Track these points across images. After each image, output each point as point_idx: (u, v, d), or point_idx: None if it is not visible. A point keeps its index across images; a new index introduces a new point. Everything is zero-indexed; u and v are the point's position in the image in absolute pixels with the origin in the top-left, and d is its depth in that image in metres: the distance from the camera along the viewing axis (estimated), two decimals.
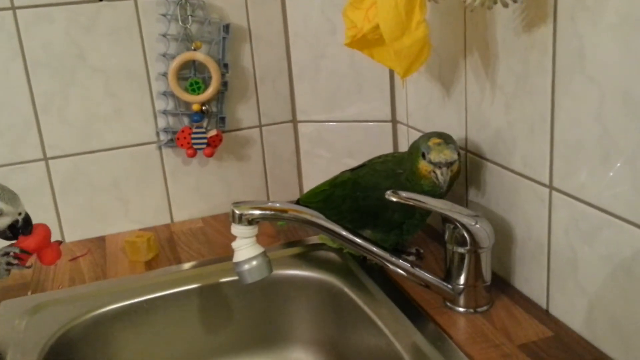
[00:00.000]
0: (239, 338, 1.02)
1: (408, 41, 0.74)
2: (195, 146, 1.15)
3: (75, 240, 1.15)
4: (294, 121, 1.25)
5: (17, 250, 0.80)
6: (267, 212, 0.78)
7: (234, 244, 0.78)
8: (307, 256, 1.03)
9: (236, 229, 0.77)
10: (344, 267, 0.98)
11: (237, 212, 0.77)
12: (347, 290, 0.92)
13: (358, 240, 0.80)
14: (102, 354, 0.93)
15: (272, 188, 1.28)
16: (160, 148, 1.18)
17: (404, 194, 0.80)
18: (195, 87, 1.13)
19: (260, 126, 1.24)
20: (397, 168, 0.92)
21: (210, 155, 1.17)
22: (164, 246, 1.11)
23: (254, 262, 0.78)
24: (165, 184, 1.21)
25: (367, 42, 0.85)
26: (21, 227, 0.78)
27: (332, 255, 1.02)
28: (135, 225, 1.20)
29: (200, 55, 1.12)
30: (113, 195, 1.18)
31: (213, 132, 1.15)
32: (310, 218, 0.79)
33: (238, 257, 0.78)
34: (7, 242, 0.82)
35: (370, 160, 0.98)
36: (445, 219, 0.81)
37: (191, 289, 0.99)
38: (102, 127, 1.14)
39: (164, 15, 1.11)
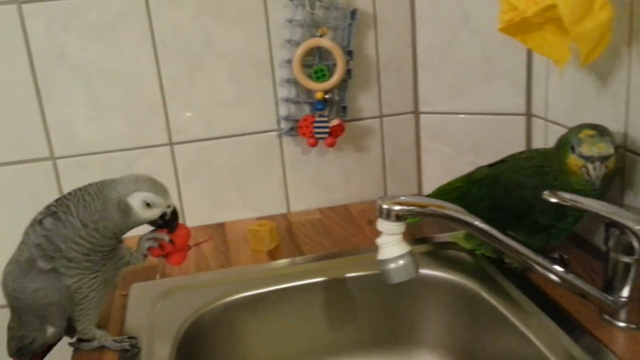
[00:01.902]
0: (362, 336, 0.98)
1: (590, 24, 0.67)
2: (317, 135, 1.12)
3: (196, 225, 1.15)
4: (416, 112, 1.20)
5: (166, 238, 0.79)
6: (416, 207, 0.74)
7: (379, 241, 0.74)
8: (437, 255, 0.98)
9: (383, 225, 0.73)
10: (478, 269, 0.93)
11: (384, 206, 0.73)
12: (484, 294, 0.87)
13: (515, 244, 0.74)
14: (230, 341, 0.92)
15: (390, 181, 1.23)
16: (280, 136, 1.16)
17: (564, 194, 0.73)
18: (320, 75, 1.10)
19: (381, 116, 1.19)
20: (543, 164, 0.85)
21: (332, 145, 1.13)
22: (284, 236, 1.09)
23: (401, 262, 0.73)
24: (284, 173, 1.19)
25: (526, 26, 0.79)
26: (169, 220, 0.77)
27: (464, 256, 0.97)
28: (252, 213, 1.19)
29: (326, 42, 1.09)
30: (233, 182, 1.17)
31: (335, 122, 1.12)
32: (470, 219, 0.73)
33: (384, 254, 0.74)
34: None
35: (511, 156, 0.92)
36: (611, 224, 0.73)
37: (316, 283, 0.96)
38: (224, 113, 1.13)
39: (291, 0, 1.08)
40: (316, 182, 1.20)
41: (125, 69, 1.07)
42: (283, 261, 1.01)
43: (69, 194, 0.74)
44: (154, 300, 0.90)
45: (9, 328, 0.78)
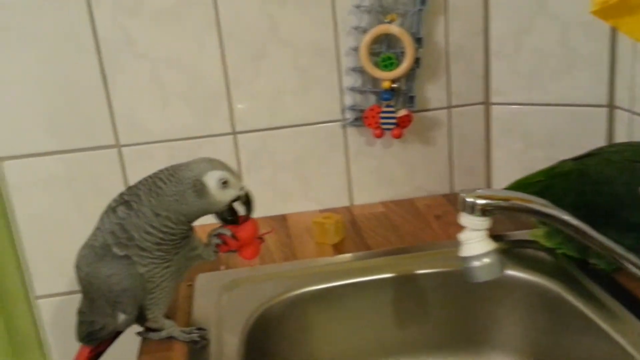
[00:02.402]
0: (432, 336, 0.94)
1: None
2: (383, 126, 1.09)
3: (258, 216, 1.13)
4: (487, 103, 1.14)
5: (228, 233, 0.78)
6: (502, 201, 0.69)
7: (462, 236, 0.70)
8: (514, 254, 0.93)
9: (467, 220, 0.69)
10: (560, 269, 0.87)
11: (468, 200, 0.68)
12: (568, 296, 0.81)
13: (610, 242, 0.69)
14: (297, 335, 0.90)
15: (456, 176, 1.19)
16: (344, 127, 1.13)
17: None
18: (388, 63, 1.06)
19: (449, 107, 1.15)
20: (636, 159, 0.80)
21: (398, 136, 1.09)
22: (349, 230, 1.06)
23: (486, 260, 0.69)
24: (347, 164, 1.15)
25: (622, 9, 0.73)
26: (246, 203, 0.75)
27: (544, 255, 0.91)
28: (314, 205, 1.16)
29: (395, 29, 1.05)
30: (295, 173, 1.14)
31: (403, 112, 1.08)
32: (560, 215, 0.68)
33: (467, 251, 0.70)
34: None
35: (599, 149, 0.86)
36: None
37: (385, 279, 0.92)
38: (288, 103, 1.10)
39: None
40: (380, 174, 1.17)
41: (190, 56, 1.05)
42: (349, 255, 0.97)
43: (140, 182, 0.73)
44: (220, 292, 0.89)
45: (80, 312, 0.78)
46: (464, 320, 0.95)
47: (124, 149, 1.07)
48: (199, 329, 0.78)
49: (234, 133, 1.11)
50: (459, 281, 0.92)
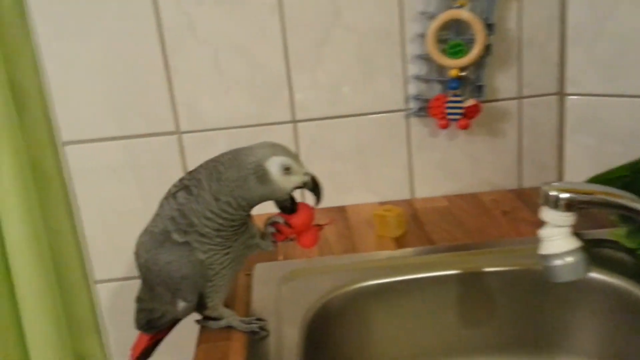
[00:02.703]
0: (499, 337, 0.89)
1: None
2: (449, 117, 1.04)
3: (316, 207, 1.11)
4: (561, 94, 1.08)
5: (281, 221, 0.76)
6: (587, 195, 0.64)
7: (544, 233, 0.65)
8: (591, 253, 0.85)
9: (549, 215, 0.64)
10: None
11: (552, 193, 0.63)
12: None
13: None
14: (357, 330, 0.87)
15: (526, 171, 1.13)
16: (408, 117, 1.09)
17: None
18: (457, 50, 1.01)
19: (520, 98, 1.09)
20: None
21: (465, 127, 1.04)
22: (410, 223, 1.02)
23: (569, 258, 0.64)
24: (409, 156, 1.11)
25: None
26: (313, 189, 0.73)
27: (623, 255, 0.85)
28: (374, 197, 1.13)
29: (465, 14, 0.99)
30: (355, 164, 1.11)
31: (471, 102, 1.03)
32: None
33: (549, 248, 0.65)
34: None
35: None
36: None
37: (450, 275, 0.88)
38: (350, 91, 1.07)
39: None
40: (444, 167, 1.12)
41: (252, 42, 1.03)
42: (411, 249, 0.93)
43: (201, 166, 0.71)
44: (279, 282, 0.86)
45: (139, 300, 0.77)
46: (533, 322, 0.89)
47: (184, 136, 1.07)
48: (259, 319, 0.76)
49: (294, 121, 1.08)
50: (529, 281, 0.87)
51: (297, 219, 0.75)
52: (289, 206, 0.73)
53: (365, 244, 0.96)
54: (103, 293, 1.14)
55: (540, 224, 0.67)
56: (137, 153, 1.07)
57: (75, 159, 1.07)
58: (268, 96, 1.06)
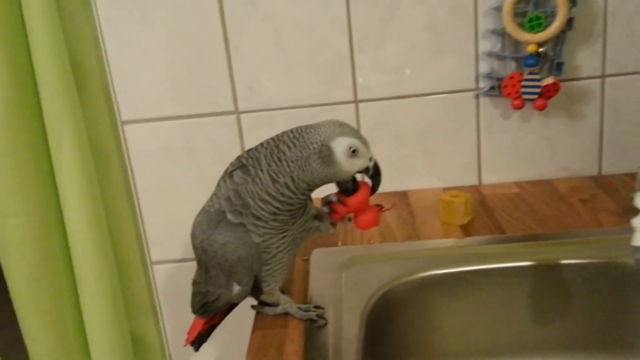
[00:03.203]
0: (575, 335, 0.83)
1: None
2: (524, 96, 0.96)
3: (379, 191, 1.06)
4: None
5: (334, 199, 0.71)
6: None
7: (636, 222, 0.58)
8: None
9: None
10: None
11: None
12: None
13: None
14: (420, 322, 0.82)
15: (606, 156, 1.03)
16: (478, 97, 1.02)
17: None
18: (535, 24, 0.93)
19: (602, 76, 0.99)
20: None
21: (542, 108, 0.96)
22: (478, 210, 0.95)
23: None
24: (478, 139, 1.04)
25: None
26: (372, 175, 0.68)
27: None
28: (438, 182, 1.07)
29: None
30: (419, 147, 1.05)
31: (549, 80, 0.95)
32: None
33: None
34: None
35: None
36: None
37: (522, 267, 0.82)
38: (416, 69, 1.01)
39: None
40: (515, 151, 1.04)
41: (314, 18, 0.98)
42: (480, 238, 0.87)
43: (261, 144, 0.67)
44: (338, 269, 0.82)
45: (195, 282, 0.75)
46: (614, 320, 0.82)
47: (242, 116, 1.04)
48: (317, 307, 0.72)
49: (356, 101, 1.03)
50: (612, 275, 0.80)
51: (352, 198, 0.71)
52: (350, 188, 0.69)
53: (429, 231, 0.91)
54: (159, 274, 1.14)
55: (624, 213, 0.60)
56: (195, 133, 1.05)
57: (134, 138, 1.06)
58: (329, 75, 1.02)
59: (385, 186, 1.07)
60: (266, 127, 1.03)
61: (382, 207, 0.75)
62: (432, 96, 1.02)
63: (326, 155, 0.63)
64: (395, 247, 0.88)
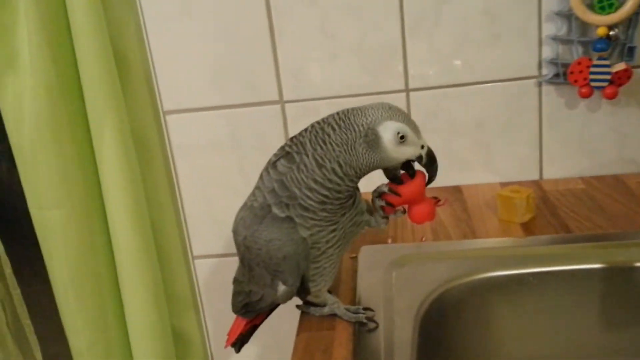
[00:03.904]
0: None
1: None
2: (592, 83, 0.89)
3: (428, 186, 1.00)
4: None
5: (386, 190, 0.66)
6: None
7: None
8: None
9: None
10: None
11: None
12: None
13: None
14: (478, 326, 0.76)
15: None
16: (540, 84, 0.94)
17: None
18: (606, 5, 0.85)
19: None
20: None
21: (612, 96, 0.89)
22: (540, 207, 0.88)
23: None
24: (540, 130, 0.97)
25: None
26: (426, 164, 0.63)
27: None
28: (495, 177, 1.00)
29: None
30: (474, 139, 0.99)
31: (620, 66, 0.87)
32: None
33: None
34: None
35: None
36: None
37: (590, 270, 0.75)
38: (472, 55, 0.94)
39: None
40: (581, 143, 0.96)
41: (364, 3, 0.93)
42: (543, 237, 0.80)
43: (306, 129, 0.63)
44: (388, 268, 0.77)
45: (236, 281, 0.71)
46: None
47: (287, 105, 0.99)
48: (366, 308, 0.67)
49: (407, 90, 0.97)
50: None
51: (406, 188, 0.65)
52: (398, 176, 0.64)
53: (486, 229, 0.85)
54: (201, 269, 1.11)
55: None
56: (238, 123, 1.01)
57: (176, 129, 1.03)
58: (379, 62, 0.96)
59: (437, 181, 1.01)
60: (312, 117, 0.96)
61: (438, 200, 0.69)
62: (490, 84, 0.96)
63: (372, 140, 0.59)
64: (449, 245, 0.82)
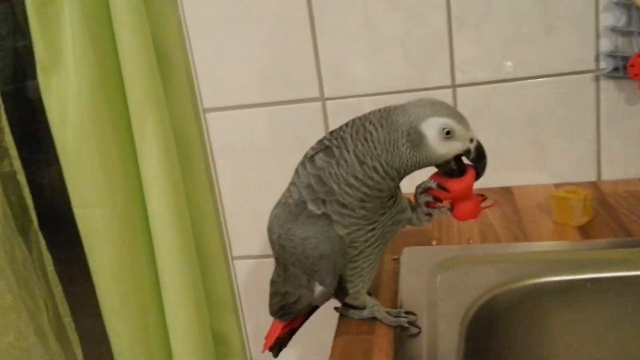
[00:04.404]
0: None
1: None
2: None
3: (476, 187, 0.95)
4: None
5: (433, 185, 0.62)
6: None
7: None
8: None
9: None
10: None
11: None
12: None
13: None
14: (528, 332, 0.71)
15: None
16: (598, 79, 0.88)
17: None
18: None
19: None
20: None
21: None
22: (598, 210, 0.82)
23: None
24: (597, 127, 0.91)
25: None
26: (474, 159, 0.59)
27: None
28: (548, 178, 0.94)
29: None
30: (526, 137, 0.93)
31: None
32: None
33: None
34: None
35: None
36: None
37: None
38: (524, 48, 0.89)
39: None
40: None
41: None
42: (602, 241, 0.75)
43: (346, 124, 0.60)
44: (433, 271, 0.73)
45: (273, 282, 0.68)
46: None
47: (328, 103, 0.97)
48: (408, 312, 0.63)
49: (454, 86, 0.93)
50: None
51: (456, 183, 0.61)
52: (454, 169, 0.59)
53: (539, 232, 0.79)
54: (241, 270, 1.09)
55: None
56: (278, 121, 0.99)
57: (215, 127, 1.02)
58: (424, 56, 0.92)
59: (485, 180, 0.96)
60: (353, 115, 0.94)
61: (485, 197, 0.65)
62: (543, 79, 0.90)
63: (415, 139, 0.55)
64: (499, 248, 0.77)
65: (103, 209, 0.97)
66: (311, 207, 0.59)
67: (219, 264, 1.08)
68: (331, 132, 0.61)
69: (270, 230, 0.63)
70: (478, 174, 0.60)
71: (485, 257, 0.75)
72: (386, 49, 0.92)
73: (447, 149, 0.57)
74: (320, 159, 0.59)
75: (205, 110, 1.01)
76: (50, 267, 1.02)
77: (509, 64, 0.90)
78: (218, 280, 1.09)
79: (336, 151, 0.58)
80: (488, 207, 0.87)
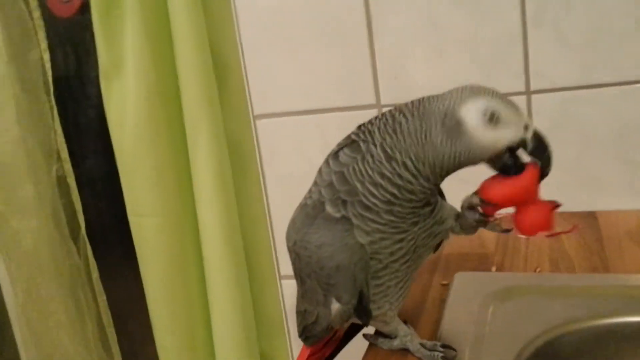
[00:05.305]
0: None
1: None
2: None
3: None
4: None
5: (477, 201, 0.51)
6: None
7: None
8: None
9: None
10: None
11: None
12: None
13: None
14: None
15: None
16: None
17: None
18: None
19: None
20: None
21: None
22: None
23: None
24: None
25: None
26: (533, 151, 0.48)
27: None
28: None
29: None
30: (614, 153, 0.80)
31: None
32: None
33: None
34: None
35: None
36: None
37: None
38: (612, 48, 0.78)
39: None
40: None
41: None
42: None
43: (377, 117, 0.52)
44: (487, 300, 0.62)
45: (297, 301, 0.60)
46: None
47: (385, 110, 0.88)
48: (445, 346, 0.53)
49: (528, 92, 0.82)
50: None
51: (510, 184, 0.49)
52: (510, 164, 0.49)
53: (623, 264, 0.67)
54: (288, 291, 1.01)
55: None
56: (330, 129, 0.92)
57: (266, 134, 0.96)
58: (494, 58, 0.83)
59: (566, 203, 0.83)
60: None
61: (557, 204, 0.53)
62: (636, 85, 0.77)
63: (452, 127, 0.46)
64: (572, 279, 0.65)
65: (155, 219, 0.95)
66: (329, 209, 0.50)
67: (270, 283, 1.02)
68: (359, 126, 0.53)
69: (287, 236, 0.55)
70: (543, 172, 0.49)
71: (552, 289, 0.63)
72: (450, 50, 0.84)
73: (494, 138, 0.47)
74: (344, 155, 0.51)
75: (256, 117, 0.96)
76: (95, 274, 1.00)
77: (594, 64, 0.77)
78: (268, 300, 1.02)
79: (362, 145, 0.50)
80: (565, 232, 0.75)
